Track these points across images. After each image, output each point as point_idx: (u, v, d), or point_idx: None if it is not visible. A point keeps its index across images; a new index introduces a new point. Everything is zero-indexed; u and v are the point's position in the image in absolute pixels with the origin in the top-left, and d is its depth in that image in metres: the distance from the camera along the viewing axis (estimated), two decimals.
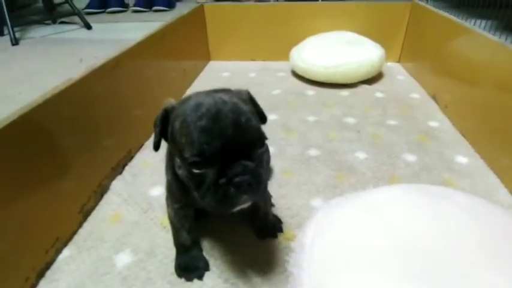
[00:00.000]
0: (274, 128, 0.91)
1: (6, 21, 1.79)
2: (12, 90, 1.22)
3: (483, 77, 0.80)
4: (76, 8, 2.08)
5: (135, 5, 2.53)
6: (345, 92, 1.12)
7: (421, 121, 0.93)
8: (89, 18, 2.15)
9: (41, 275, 0.52)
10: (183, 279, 0.51)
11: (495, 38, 0.77)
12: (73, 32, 2.09)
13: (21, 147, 0.50)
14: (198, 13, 1.32)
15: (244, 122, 0.38)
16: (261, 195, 0.40)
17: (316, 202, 0.65)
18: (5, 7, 1.77)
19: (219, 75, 1.31)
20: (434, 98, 1.04)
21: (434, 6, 1.17)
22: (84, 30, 2.09)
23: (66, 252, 0.57)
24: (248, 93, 0.45)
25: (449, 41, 0.97)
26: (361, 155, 0.79)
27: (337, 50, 1.15)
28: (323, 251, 0.40)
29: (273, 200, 0.63)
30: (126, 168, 0.77)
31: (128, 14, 2.52)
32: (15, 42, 1.79)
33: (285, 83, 1.21)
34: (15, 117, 0.49)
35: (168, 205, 0.52)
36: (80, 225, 0.62)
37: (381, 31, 1.28)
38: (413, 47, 1.25)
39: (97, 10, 2.53)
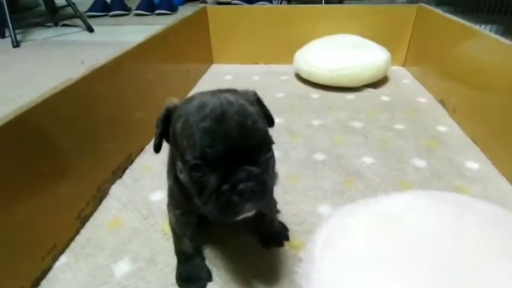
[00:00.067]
0: (278, 131, 0.88)
1: (8, 23, 1.78)
2: (12, 92, 1.21)
3: (494, 81, 0.78)
4: (78, 11, 2.08)
5: (137, 9, 2.53)
6: (350, 96, 1.10)
7: (429, 125, 0.91)
8: (91, 21, 2.15)
9: (36, 283, 0.50)
10: None
11: (507, 41, 0.75)
12: (75, 34, 2.08)
13: (17, 149, 0.47)
14: (201, 15, 1.31)
15: (251, 125, 0.35)
16: (266, 204, 0.37)
17: (323, 208, 0.62)
18: (6, 9, 1.76)
19: (221, 78, 1.29)
20: (441, 102, 1.02)
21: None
22: (86, 33, 2.08)
23: (63, 260, 0.54)
24: (255, 94, 0.43)
25: (457, 44, 0.95)
26: (368, 160, 0.76)
27: (343, 53, 1.13)
28: (335, 262, 0.38)
29: (278, 206, 0.60)
30: (127, 172, 0.75)
31: (130, 18, 2.51)
32: (16, 44, 1.78)
33: (289, 86, 1.19)
34: (11, 117, 0.47)
35: (169, 211, 0.50)
36: (78, 231, 0.59)
37: (386, 35, 1.26)
38: (419, 50, 1.23)
39: (99, 13, 2.52)
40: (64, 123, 0.57)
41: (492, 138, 0.77)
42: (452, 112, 0.95)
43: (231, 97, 0.38)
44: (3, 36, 1.99)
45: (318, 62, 1.13)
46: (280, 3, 2.36)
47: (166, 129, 0.41)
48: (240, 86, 0.44)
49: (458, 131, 0.88)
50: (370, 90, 1.13)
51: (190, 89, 1.18)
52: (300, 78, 1.23)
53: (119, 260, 0.54)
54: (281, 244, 0.55)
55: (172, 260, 0.52)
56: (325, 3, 2.27)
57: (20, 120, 0.48)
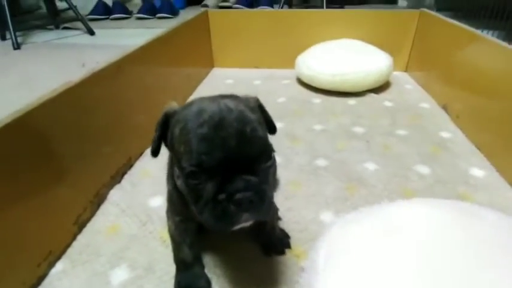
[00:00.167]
0: (279, 136, 0.87)
1: (9, 26, 1.78)
2: (11, 95, 1.20)
3: (497, 86, 0.77)
4: (79, 14, 2.07)
5: (138, 12, 2.53)
6: (352, 101, 1.09)
7: (432, 131, 0.90)
8: (92, 25, 2.14)
9: None
10: None
11: (510, 46, 0.74)
12: (76, 37, 2.08)
13: (14, 153, 0.46)
14: (202, 19, 1.30)
15: (250, 133, 0.34)
16: (264, 214, 0.36)
17: (326, 216, 0.61)
18: (7, 11, 1.76)
19: (222, 82, 1.28)
20: (444, 107, 1.01)
21: None
22: (87, 36, 2.08)
23: (59, 266, 0.53)
24: (257, 100, 0.42)
25: (460, 50, 0.95)
26: (371, 166, 0.75)
27: (345, 58, 1.12)
28: (339, 273, 0.36)
29: (279, 213, 0.59)
30: (125, 176, 0.73)
31: (132, 21, 2.51)
32: (17, 46, 1.78)
33: (290, 91, 1.18)
34: (8, 120, 0.46)
35: (168, 218, 0.48)
36: (75, 237, 0.58)
37: (388, 40, 1.25)
38: (421, 56, 1.23)
39: (100, 17, 2.52)
40: (62, 126, 0.56)
41: (496, 145, 0.75)
42: (456, 118, 0.94)
43: (230, 103, 0.37)
44: (4, 39, 1.99)
45: (320, 66, 1.12)
46: (282, 8, 2.37)
47: (164, 133, 0.40)
48: (241, 90, 0.43)
49: (461, 137, 0.87)
50: (372, 95, 1.12)
51: (191, 93, 1.17)
52: (301, 82, 1.22)
53: (116, 267, 0.52)
54: (282, 252, 0.53)
55: (171, 268, 0.50)
56: (326, 7, 2.27)
57: (18, 123, 0.47)
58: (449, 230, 0.36)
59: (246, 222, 0.35)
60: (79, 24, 2.12)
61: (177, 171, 0.38)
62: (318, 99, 1.11)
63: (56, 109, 0.54)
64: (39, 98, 0.52)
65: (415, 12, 1.23)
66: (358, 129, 0.91)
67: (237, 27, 1.34)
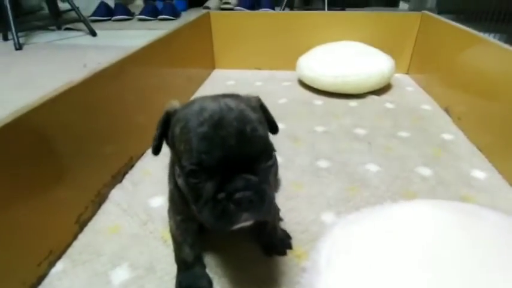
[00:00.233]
0: (281, 137, 0.87)
1: (11, 26, 1.79)
2: (12, 95, 1.20)
3: (499, 88, 0.77)
4: (82, 15, 2.08)
5: (140, 14, 2.54)
6: (353, 103, 1.09)
7: (434, 133, 0.89)
8: (94, 26, 2.15)
9: None
10: None
11: None
12: (78, 38, 2.08)
13: (15, 152, 0.46)
14: (204, 21, 1.31)
15: (250, 132, 0.34)
16: (264, 214, 0.36)
17: (327, 216, 0.61)
18: (10, 12, 1.77)
19: (223, 83, 1.28)
20: (446, 109, 1.00)
21: None
22: (89, 37, 2.09)
23: (59, 266, 0.53)
24: (259, 100, 0.42)
25: (462, 52, 0.95)
26: (373, 168, 0.75)
27: (347, 60, 1.12)
28: (340, 273, 0.36)
29: (281, 214, 0.59)
30: (127, 176, 0.73)
31: (134, 22, 2.52)
32: (18, 47, 1.79)
33: (292, 93, 1.18)
34: (9, 120, 0.46)
35: (170, 217, 0.48)
36: (75, 236, 0.58)
37: (389, 42, 1.25)
38: (423, 58, 1.23)
39: (103, 18, 2.53)
40: (64, 126, 0.56)
41: (498, 146, 0.75)
42: (457, 120, 0.93)
43: (231, 102, 0.37)
44: (6, 39, 1.99)
45: (322, 68, 1.12)
46: (283, 10, 2.37)
47: (165, 132, 0.40)
48: (242, 91, 0.43)
49: (463, 139, 0.87)
50: (374, 97, 1.12)
51: (192, 94, 1.17)
52: (302, 84, 1.22)
53: (117, 266, 0.52)
54: (284, 253, 0.53)
55: (172, 268, 0.50)
56: (328, 10, 2.28)
57: (19, 123, 0.46)
58: (451, 230, 0.36)
59: (245, 222, 0.35)
60: (81, 25, 2.13)
61: (178, 170, 0.38)
62: (319, 100, 1.11)
63: (58, 109, 0.54)
64: (40, 97, 0.52)
65: (417, 14, 1.24)
66: (360, 131, 0.91)
67: (239, 29, 1.35)
